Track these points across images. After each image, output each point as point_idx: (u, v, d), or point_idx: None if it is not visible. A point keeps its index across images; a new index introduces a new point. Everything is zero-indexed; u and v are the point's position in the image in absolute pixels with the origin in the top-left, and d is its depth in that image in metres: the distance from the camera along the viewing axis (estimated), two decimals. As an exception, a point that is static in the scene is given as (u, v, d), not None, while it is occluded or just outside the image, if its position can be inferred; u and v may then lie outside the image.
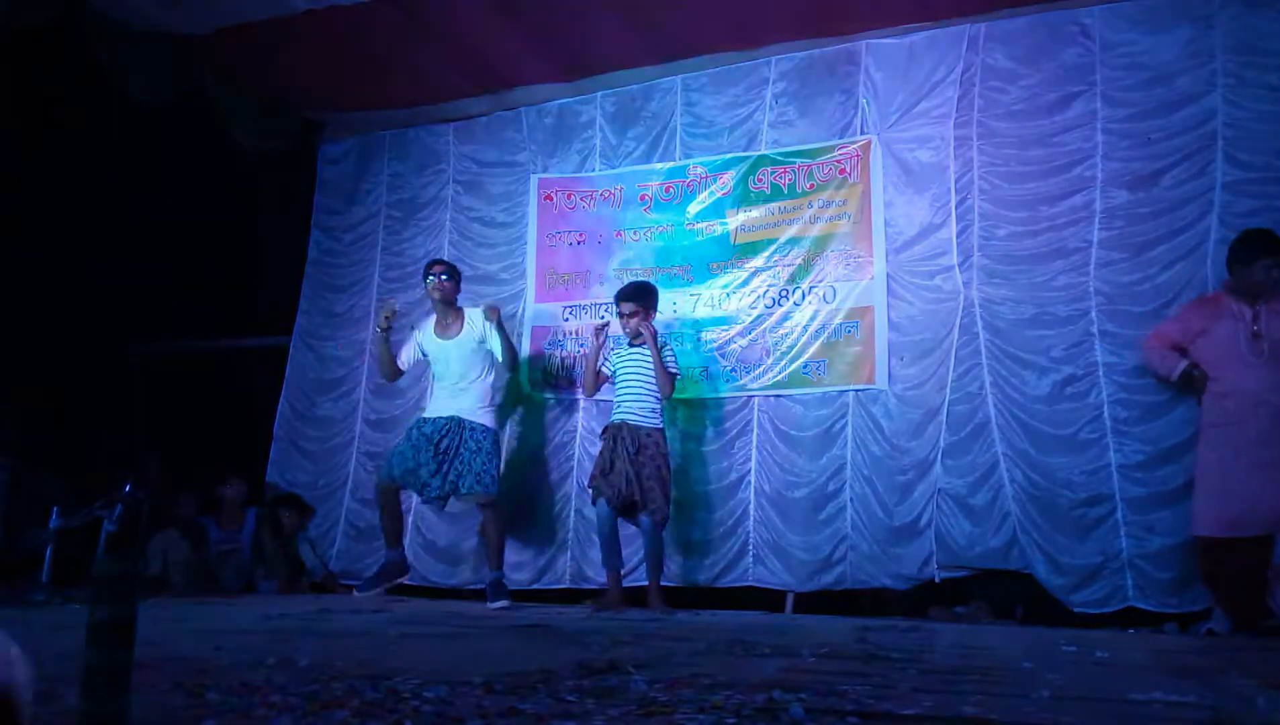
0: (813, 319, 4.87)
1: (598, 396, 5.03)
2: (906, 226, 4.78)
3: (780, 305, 4.96)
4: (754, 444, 4.91)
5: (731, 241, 5.14)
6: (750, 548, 4.80)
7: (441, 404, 4.78)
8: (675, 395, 5.09)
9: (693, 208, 5.25)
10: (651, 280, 5.25)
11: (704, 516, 4.93)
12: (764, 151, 5.14)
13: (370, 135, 6.22)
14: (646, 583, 4.53)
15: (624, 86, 5.52)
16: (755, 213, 5.11)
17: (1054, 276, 4.45)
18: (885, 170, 4.84)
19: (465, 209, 5.87)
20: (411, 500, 5.38)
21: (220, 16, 4.92)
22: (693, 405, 5.10)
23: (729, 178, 5.18)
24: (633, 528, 4.66)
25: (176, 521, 5.45)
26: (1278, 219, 3.95)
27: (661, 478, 4.47)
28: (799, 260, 4.95)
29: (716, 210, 5.20)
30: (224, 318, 6.62)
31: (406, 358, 4.94)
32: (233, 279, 6.36)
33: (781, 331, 4.93)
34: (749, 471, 4.90)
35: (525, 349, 5.49)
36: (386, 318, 4.76)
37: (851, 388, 4.76)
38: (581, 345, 5.27)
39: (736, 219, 5.15)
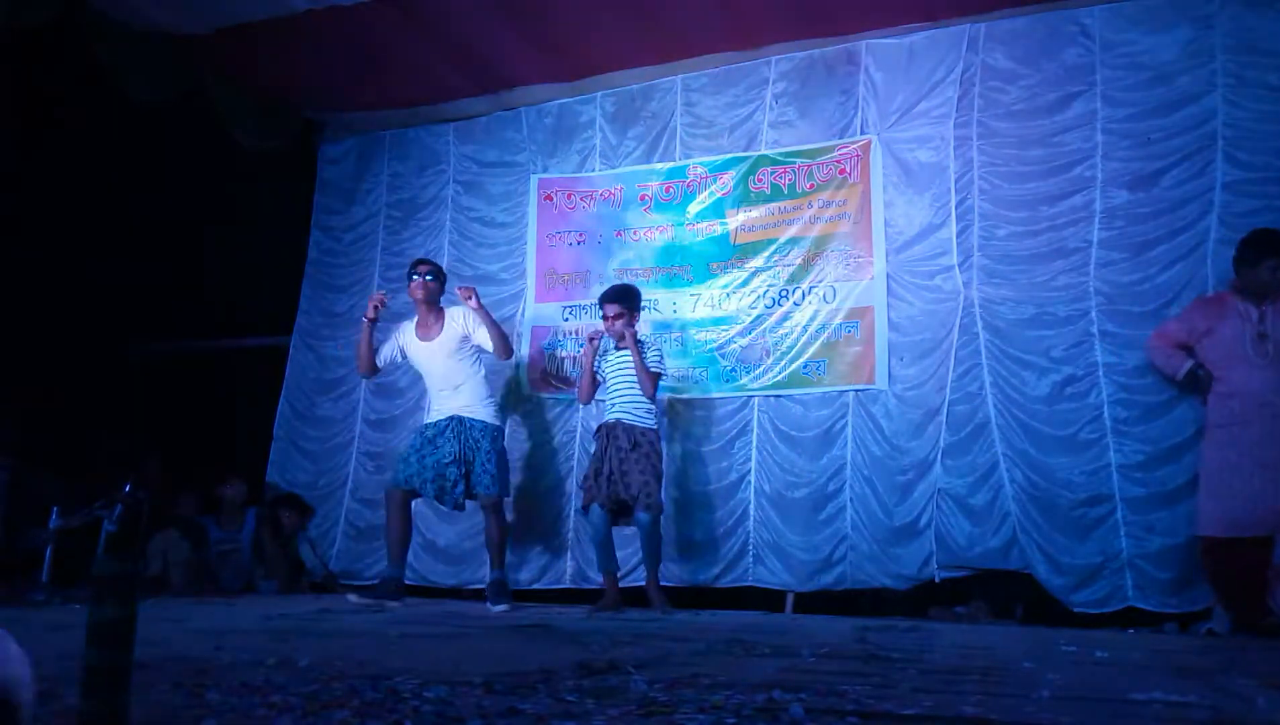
0: (813, 319, 4.87)
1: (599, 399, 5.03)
2: (906, 226, 4.78)
3: (780, 305, 4.96)
4: (754, 444, 4.91)
5: (731, 241, 5.15)
6: (750, 548, 4.80)
7: (440, 406, 4.70)
8: (676, 395, 5.11)
9: (693, 208, 5.25)
10: (651, 280, 5.26)
11: (704, 516, 4.93)
12: (764, 151, 5.14)
13: (370, 135, 6.22)
14: (645, 580, 4.53)
15: (624, 86, 5.52)
16: (755, 213, 5.11)
17: (1054, 276, 4.46)
18: (885, 170, 4.84)
19: (465, 209, 5.87)
20: (414, 506, 5.37)
21: (220, 16, 4.92)
22: (693, 405, 5.10)
23: (729, 178, 5.18)
24: (630, 529, 4.66)
25: (176, 521, 5.45)
26: (1278, 219, 3.95)
27: (656, 473, 4.44)
28: (799, 260, 4.95)
29: (716, 210, 5.20)
30: (224, 318, 6.62)
31: (385, 357, 4.83)
32: (233, 279, 6.35)
33: (781, 331, 4.94)
34: (749, 471, 4.90)
35: (525, 349, 5.49)
36: (375, 307, 4.69)
37: (851, 388, 4.76)
38: (581, 345, 5.27)
39: (736, 219, 5.15)
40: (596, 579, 4.88)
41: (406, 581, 5.30)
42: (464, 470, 4.55)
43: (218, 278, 6.43)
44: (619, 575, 4.61)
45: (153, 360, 6.83)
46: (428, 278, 4.71)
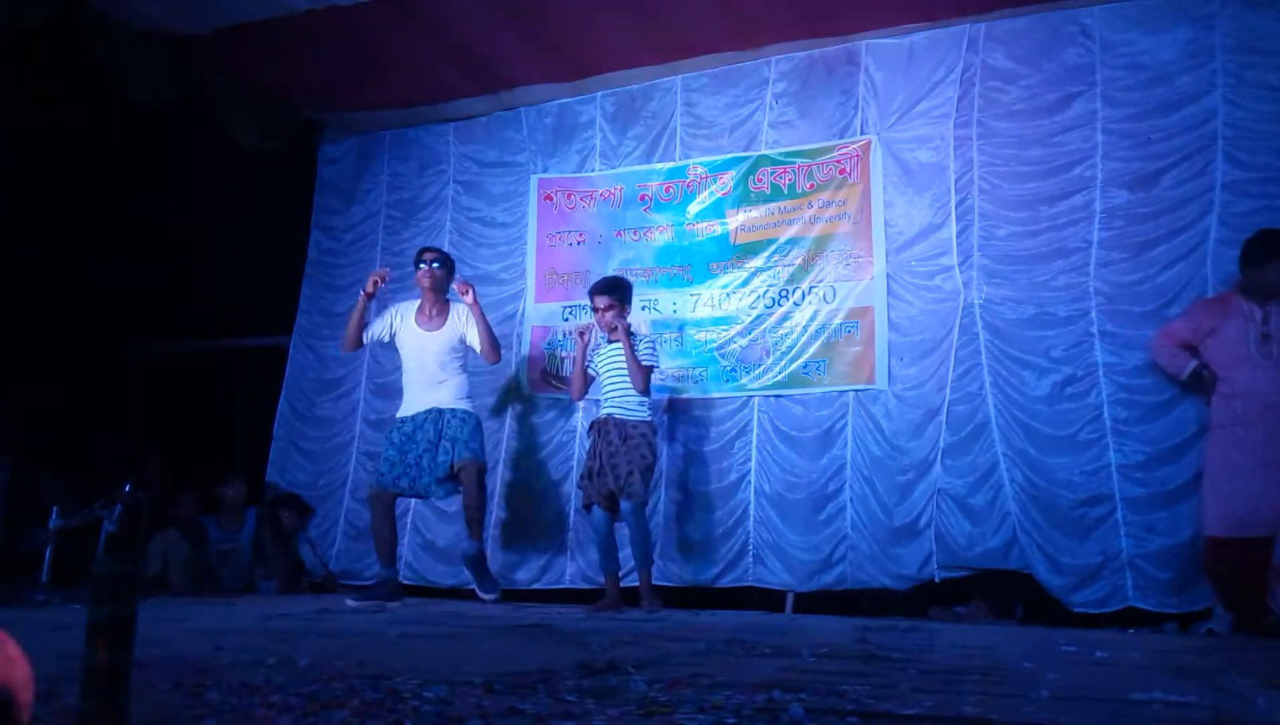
0: (813, 319, 4.87)
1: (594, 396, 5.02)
2: (906, 226, 4.78)
3: (780, 305, 4.96)
4: (754, 444, 4.91)
5: (731, 241, 5.15)
6: (750, 548, 4.80)
7: (417, 399, 4.59)
8: (676, 395, 5.10)
9: (693, 208, 5.25)
10: (651, 280, 5.26)
11: (704, 516, 4.93)
12: (764, 152, 5.14)
13: (370, 135, 6.22)
14: (639, 585, 4.46)
15: (624, 86, 5.52)
16: (755, 213, 5.11)
17: (1054, 276, 4.46)
18: (885, 170, 4.84)
19: (465, 209, 5.87)
20: (409, 507, 5.38)
21: (220, 16, 4.92)
22: (693, 405, 5.10)
23: (729, 178, 5.18)
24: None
25: (176, 521, 5.45)
26: (1278, 219, 3.95)
27: (644, 466, 4.37)
28: (799, 260, 4.95)
29: (716, 210, 5.20)
30: (224, 318, 6.62)
31: (373, 334, 4.69)
32: (233, 279, 6.36)
33: (781, 331, 4.94)
34: (749, 471, 4.90)
35: (525, 349, 5.49)
36: (374, 283, 4.58)
37: (851, 388, 4.76)
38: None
39: (736, 219, 5.15)
40: (597, 579, 4.88)
41: (406, 582, 5.31)
42: (450, 449, 4.45)
43: (218, 278, 6.43)
44: (620, 575, 4.61)
45: (153, 360, 6.83)
46: (434, 266, 4.62)
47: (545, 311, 5.52)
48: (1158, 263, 4.29)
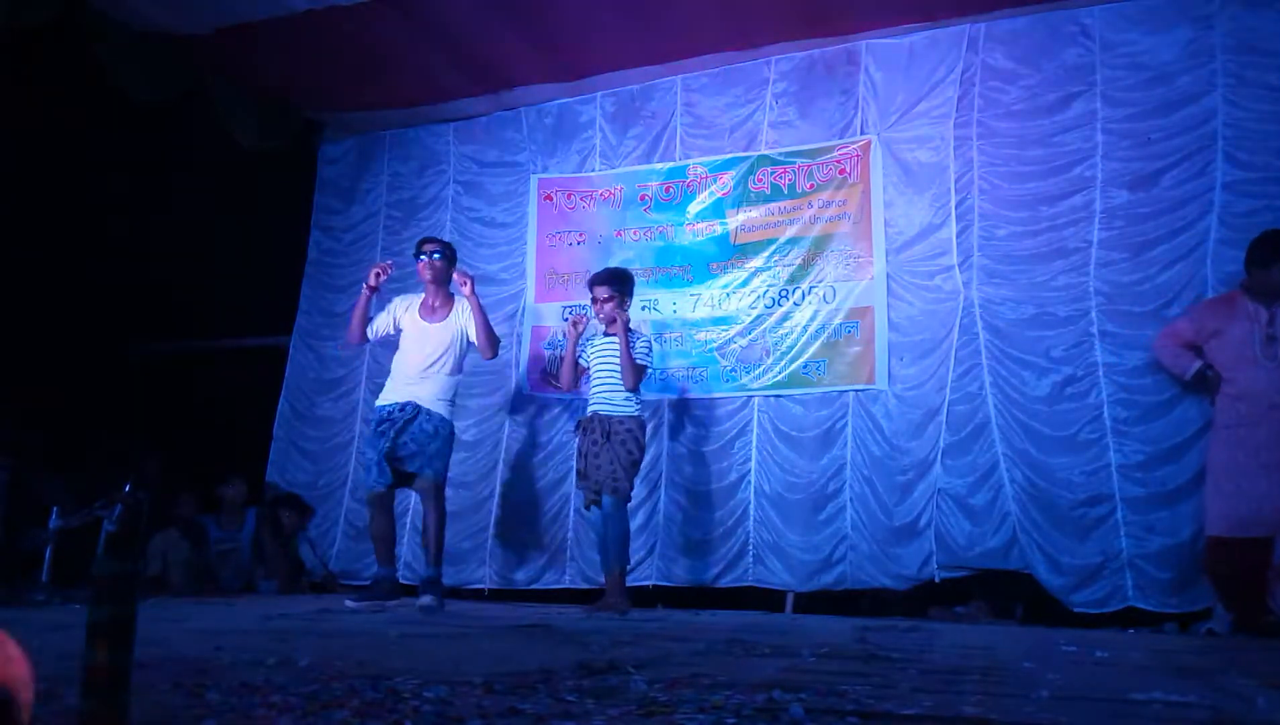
0: (813, 319, 4.87)
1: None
2: (906, 226, 4.78)
3: (780, 305, 4.96)
4: (754, 444, 4.91)
5: (731, 241, 5.15)
6: (750, 548, 4.80)
7: (398, 389, 4.46)
8: (676, 395, 5.10)
9: (693, 208, 5.26)
10: (652, 280, 5.25)
11: (704, 516, 4.93)
12: (764, 151, 5.14)
13: (370, 135, 6.22)
14: (605, 583, 4.34)
15: (624, 86, 5.52)
16: (755, 213, 5.11)
17: (1054, 276, 4.46)
18: (885, 170, 4.84)
19: (465, 209, 5.87)
20: (408, 507, 5.37)
21: (220, 16, 4.92)
22: (693, 405, 5.10)
23: (729, 178, 5.18)
24: (633, 525, 4.65)
25: (176, 521, 5.45)
26: (1278, 219, 3.95)
27: (627, 461, 4.29)
28: (799, 260, 4.95)
29: (716, 210, 5.20)
30: (224, 318, 6.62)
31: (379, 328, 4.60)
32: (232, 279, 6.36)
33: (781, 331, 4.94)
34: (749, 471, 4.90)
35: (525, 349, 5.49)
36: (377, 276, 4.47)
37: (851, 388, 4.76)
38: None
39: (736, 219, 5.15)
40: (597, 579, 4.87)
41: (405, 582, 5.30)
42: (413, 450, 4.34)
43: (218, 278, 6.43)
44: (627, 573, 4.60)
45: (153, 360, 6.83)
46: (435, 257, 4.50)
47: (545, 311, 5.52)
48: (1158, 263, 4.29)
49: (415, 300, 4.62)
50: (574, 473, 4.83)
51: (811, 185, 4.99)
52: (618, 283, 4.54)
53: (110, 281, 6.17)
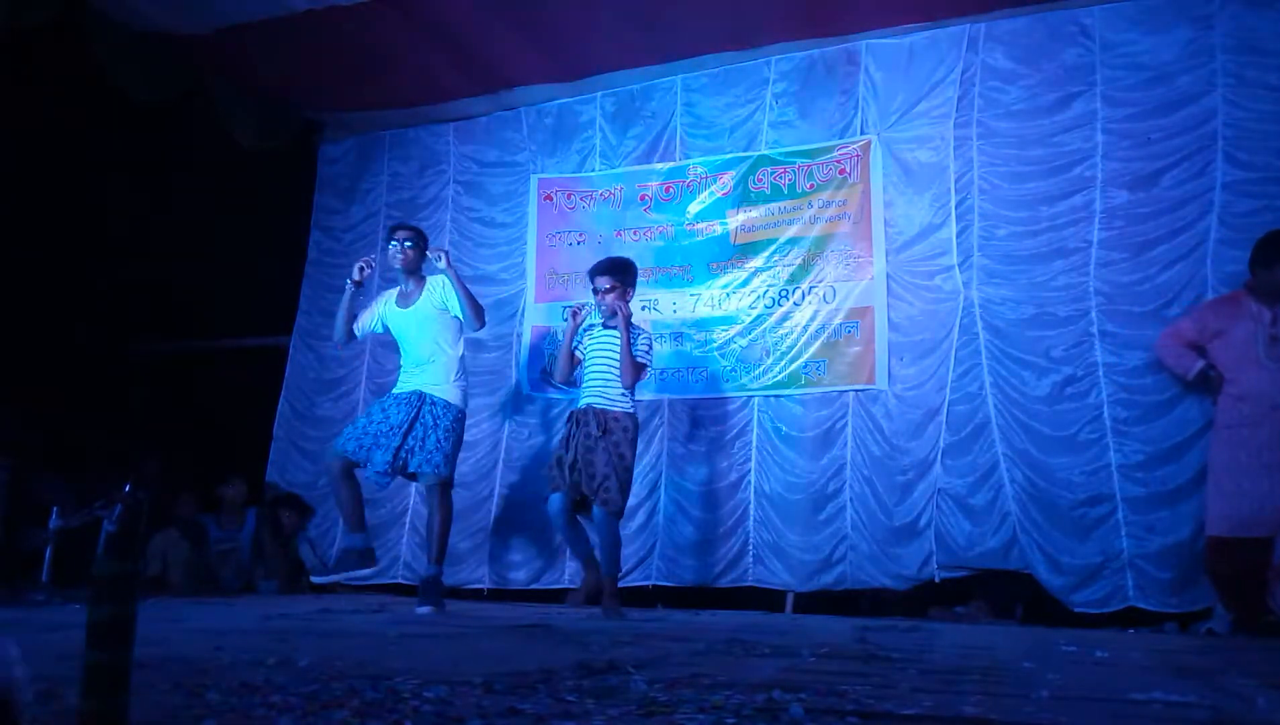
0: (813, 319, 4.87)
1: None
2: (906, 226, 4.78)
3: (780, 305, 4.96)
4: (754, 444, 4.91)
5: (731, 241, 5.15)
6: (750, 548, 4.80)
7: (407, 380, 4.34)
8: (676, 395, 5.10)
9: (693, 208, 5.26)
10: (651, 280, 5.25)
11: (704, 516, 4.93)
12: (764, 151, 5.14)
13: (370, 135, 6.22)
14: (602, 590, 4.22)
15: (624, 86, 5.52)
16: (755, 213, 5.11)
17: (1054, 276, 4.46)
18: (885, 170, 4.84)
19: (465, 209, 5.87)
20: (408, 507, 5.37)
21: (220, 16, 4.93)
22: (693, 405, 5.09)
23: (729, 178, 5.18)
24: (633, 526, 4.65)
25: (176, 521, 5.45)
26: (1278, 219, 3.95)
27: (622, 467, 4.13)
28: (799, 260, 4.95)
29: (716, 210, 5.20)
30: (224, 318, 6.62)
31: (364, 325, 4.47)
32: (233, 279, 6.36)
33: (781, 331, 4.94)
34: (749, 471, 4.90)
35: (525, 349, 5.49)
36: (360, 270, 4.33)
37: (851, 388, 4.76)
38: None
39: (736, 219, 5.15)
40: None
41: (405, 581, 5.31)
42: (411, 447, 4.18)
43: (218, 277, 6.43)
44: (619, 575, 4.59)
45: (153, 360, 6.83)
46: (406, 244, 4.35)
47: (545, 311, 5.52)
48: (1158, 263, 4.29)
49: (391, 294, 4.50)
50: (552, 465, 4.39)
51: (811, 185, 5.00)
52: (620, 273, 4.37)
53: (110, 281, 6.17)
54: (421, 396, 4.25)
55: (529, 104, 5.75)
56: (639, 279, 5.19)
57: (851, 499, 4.65)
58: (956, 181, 4.69)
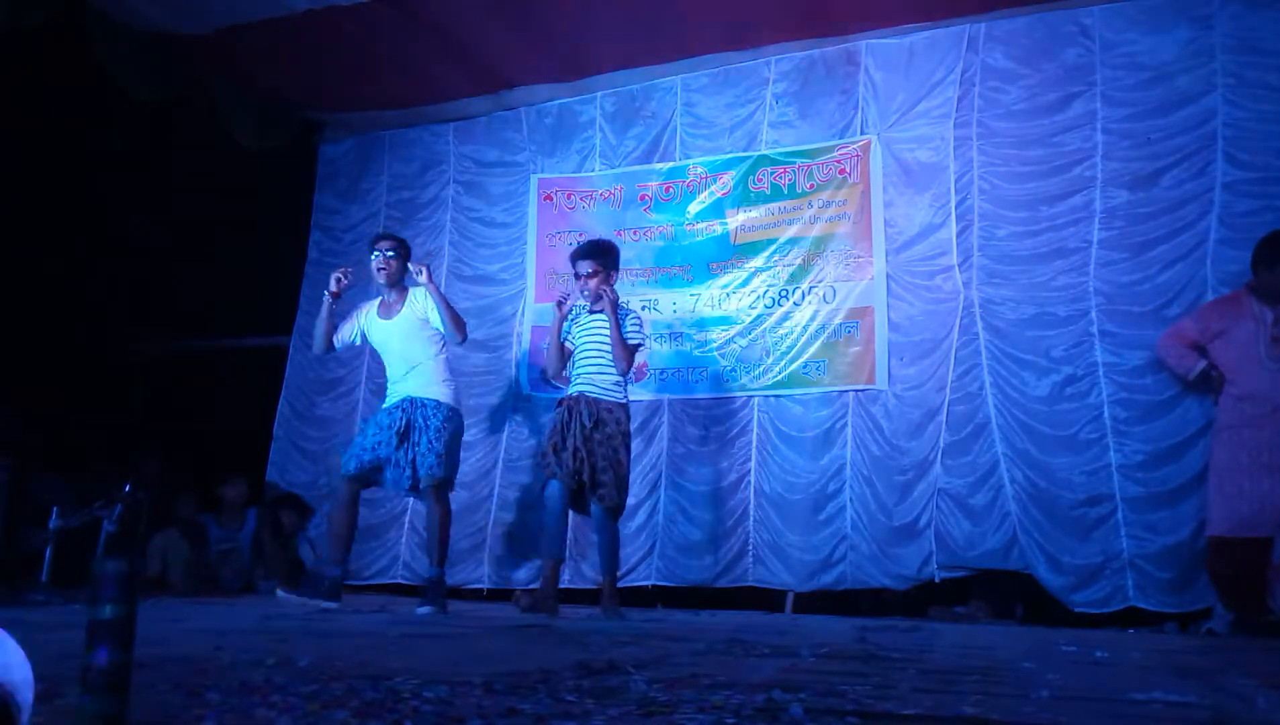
0: (812, 319, 4.87)
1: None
2: (906, 226, 4.78)
3: (780, 305, 4.97)
4: (754, 444, 4.91)
5: (731, 241, 5.15)
6: (750, 548, 4.80)
7: (396, 390, 4.31)
8: (676, 395, 5.09)
9: (693, 208, 5.26)
10: (651, 280, 5.25)
11: (704, 516, 4.93)
12: (764, 151, 5.14)
13: (370, 135, 6.22)
14: (601, 580, 4.22)
15: (624, 86, 5.52)
16: (755, 213, 5.11)
17: (1054, 276, 4.46)
18: (885, 170, 4.84)
19: (465, 209, 5.87)
20: (407, 507, 5.37)
21: (220, 16, 4.93)
22: (693, 405, 5.10)
23: (729, 178, 5.18)
24: (630, 528, 4.64)
25: (176, 521, 5.45)
26: (1278, 219, 3.95)
27: (618, 462, 4.03)
28: (799, 260, 4.96)
29: (716, 210, 5.20)
30: (224, 318, 6.62)
31: (344, 336, 4.42)
32: (233, 278, 6.36)
33: (781, 331, 4.94)
34: (749, 471, 4.90)
35: (525, 349, 5.49)
36: (337, 281, 4.28)
37: (851, 388, 4.76)
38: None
39: (736, 219, 5.15)
40: (594, 579, 4.83)
41: (404, 581, 5.31)
42: (411, 450, 4.15)
43: (218, 277, 6.43)
44: (619, 575, 4.58)
45: (153, 360, 6.83)
46: (389, 254, 4.30)
47: (545, 311, 5.51)
48: (1158, 263, 4.30)
49: (374, 303, 4.46)
50: (546, 453, 4.21)
51: (811, 185, 5.00)
52: (601, 256, 4.21)
53: (110, 281, 6.17)
54: (411, 401, 4.23)
55: (529, 104, 5.75)
56: (639, 280, 5.21)
57: (851, 499, 4.65)
58: (956, 181, 4.69)
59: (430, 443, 4.15)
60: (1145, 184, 4.36)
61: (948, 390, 4.54)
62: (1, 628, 1.16)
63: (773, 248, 5.03)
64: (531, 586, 5.18)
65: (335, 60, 5.34)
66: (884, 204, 4.82)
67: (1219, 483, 3.77)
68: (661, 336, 5.17)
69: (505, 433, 5.47)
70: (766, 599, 4.77)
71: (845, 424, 4.75)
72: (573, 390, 4.17)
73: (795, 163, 5.06)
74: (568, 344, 4.29)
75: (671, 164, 5.36)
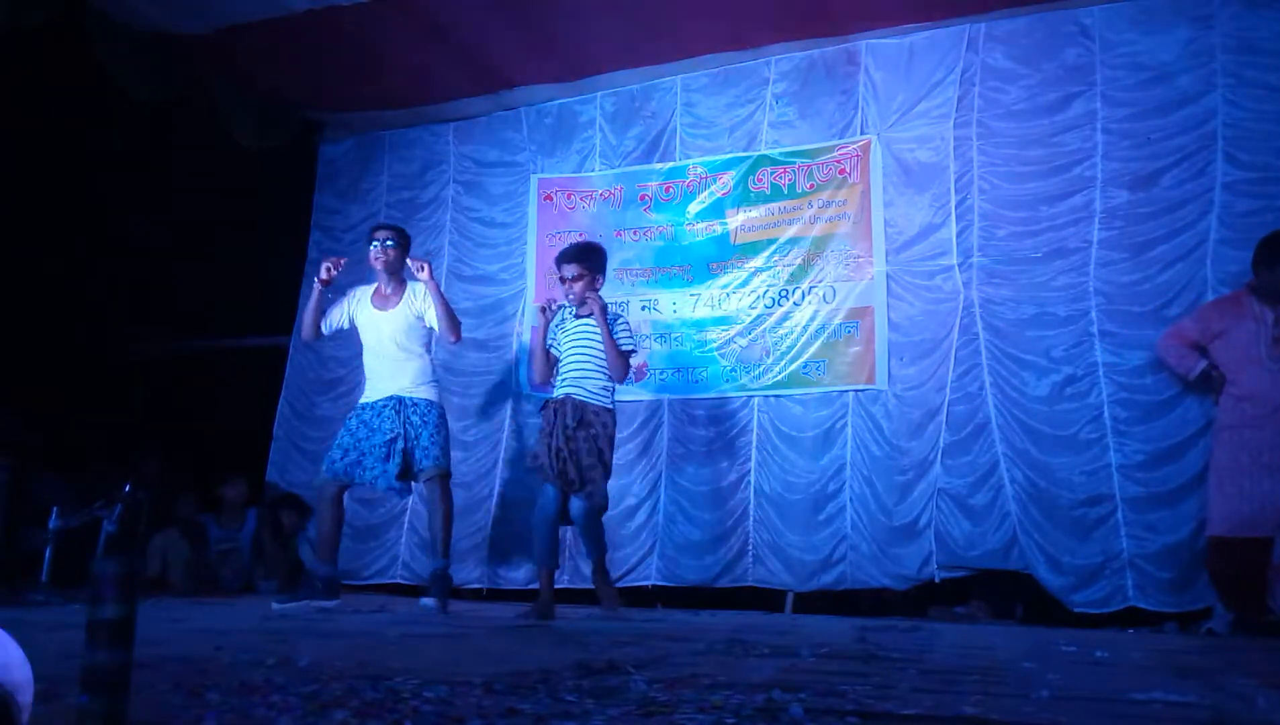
0: (812, 319, 4.87)
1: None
2: (906, 226, 4.78)
3: (780, 305, 4.96)
4: (754, 444, 4.91)
5: (731, 241, 5.15)
6: (750, 548, 4.80)
7: (379, 385, 4.29)
8: (675, 395, 5.09)
9: (692, 208, 5.26)
10: (651, 280, 5.25)
11: (704, 516, 4.93)
12: (764, 151, 5.14)
13: (370, 135, 6.22)
14: (592, 579, 4.20)
15: (624, 86, 5.52)
16: (755, 213, 5.11)
17: (1054, 276, 4.46)
18: (885, 170, 4.84)
19: (465, 209, 5.87)
20: (406, 506, 5.37)
21: (220, 16, 4.93)
22: (693, 405, 5.09)
23: (729, 178, 5.18)
24: (630, 528, 4.63)
25: (176, 521, 5.45)
26: (1278, 219, 3.95)
27: (603, 461, 3.96)
28: (799, 260, 4.95)
29: (716, 210, 5.20)
30: (224, 318, 6.62)
31: (332, 322, 4.39)
32: (233, 278, 6.36)
33: (781, 331, 4.94)
34: (749, 471, 4.90)
35: (525, 349, 5.48)
36: (329, 271, 4.25)
37: (851, 388, 4.76)
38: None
39: (736, 219, 5.15)
40: (592, 580, 4.81)
41: (403, 581, 5.31)
42: (406, 447, 4.16)
43: (218, 277, 6.43)
44: (619, 575, 4.59)
45: (153, 360, 6.83)
46: (388, 244, 4.28)
47: (545, 311, 5.51)
48: (1158, 263, 4.30)
49: (368, 291, 4.41)
50: (532, 454, 4.16)
51: (811, 185, 5.00)
52: (586, 259, 4.10)
53: (110, 281, 6.16)
54: (400, 401, 4.22)
55: (529, 104, 5.75)
56: (639, 280, 5.21)
57: (851, 499, 4.65)
58: (956, 181, 4.69)
59: (433, 436, 4.20)
60: (1145, 184, 4.36)
61: (948, 390, 4.54)
62: (1, 628, 1.16)
63: (773, 248, 5.03)
64: (532, 586, 5.19)
65: (335, 60, 5.33)
66: (884, 204, 4.82)
67: (1219, 483, 3.77)
68: (661, 336, 5.17)
69: (504, 433, 5.47)
70: (766, 599, 4.77)
71: (845, 424, 4.75)
72: (559, 393, 4.08)
73: (795, 163, 5.06)
74: (553, 351, 4.19)
75: (671, 164, 5.36)
